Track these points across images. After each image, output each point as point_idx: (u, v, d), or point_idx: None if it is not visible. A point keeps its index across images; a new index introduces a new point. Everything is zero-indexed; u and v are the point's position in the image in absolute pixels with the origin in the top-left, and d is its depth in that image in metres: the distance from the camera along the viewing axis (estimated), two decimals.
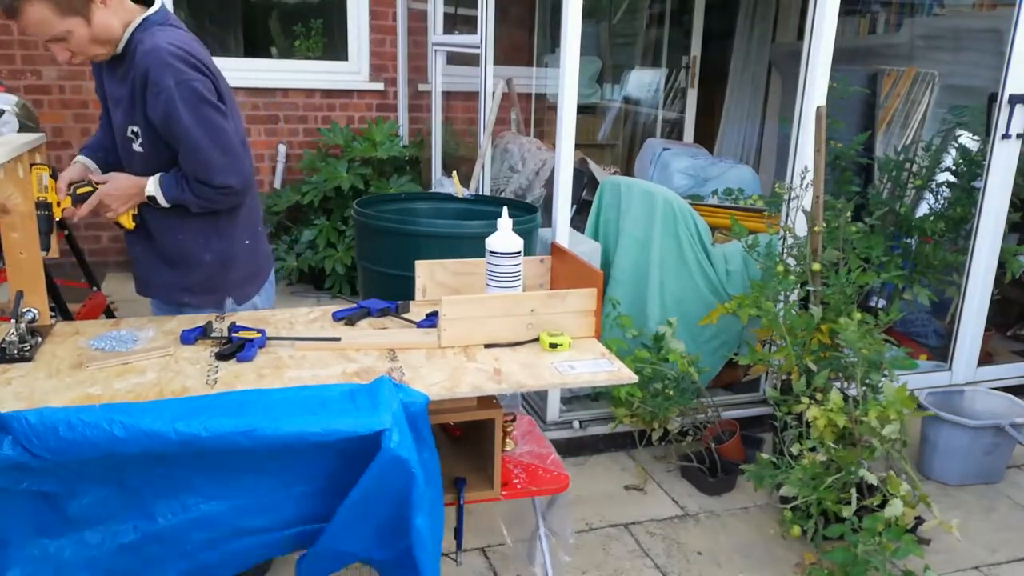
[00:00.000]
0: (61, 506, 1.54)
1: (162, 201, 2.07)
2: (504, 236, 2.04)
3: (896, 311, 2.63)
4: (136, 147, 2.08)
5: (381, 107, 5.44)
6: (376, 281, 3.17)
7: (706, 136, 6.16)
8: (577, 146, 3.06)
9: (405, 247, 2.96)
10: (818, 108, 2.80)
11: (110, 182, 2.10)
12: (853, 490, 2.42)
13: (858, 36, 5.36)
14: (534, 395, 3.28)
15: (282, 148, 5.29)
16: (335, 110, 5.37)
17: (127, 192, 2.10)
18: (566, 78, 2.83)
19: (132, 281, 2.32)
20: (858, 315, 2.62)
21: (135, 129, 2.06)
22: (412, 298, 2.21)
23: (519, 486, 2.04)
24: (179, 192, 2.06)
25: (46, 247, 2.01)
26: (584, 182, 4.32)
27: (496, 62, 3.83)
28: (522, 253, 2.06)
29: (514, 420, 2.25)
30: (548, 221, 3.14)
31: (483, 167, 4.03)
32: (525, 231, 2.90)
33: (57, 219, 2.05)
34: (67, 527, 1.56)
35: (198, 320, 2.02)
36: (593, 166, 4.52)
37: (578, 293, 2.00)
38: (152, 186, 2.07)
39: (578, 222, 3.79)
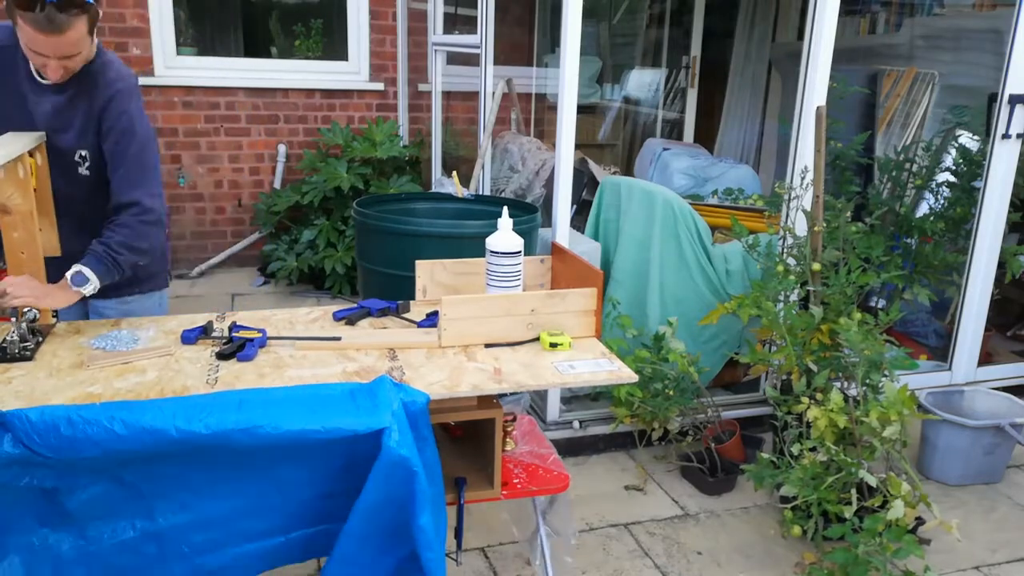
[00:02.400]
0: (61, 501, 1.54)
1: (93, 280, 1.97)
2: (504, 236, 2.04)
3: (896, 311, 2.63)
4: (83, 170, 2.11)
5: (381, 107, 5.44)
6: (376, 281, 3.17)
7: (706, 136, 6.16)
8: (577, 146, 3.06)
9: (405, 247, 2.96)
10: (818, 108, 2.80)
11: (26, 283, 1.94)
12: (853, 490, 2.42)
13: (858, 36, 5.36)
14: (534, 395, 3.27)
15: (282, 148, 5.29)
16: (335, 110, 5.37)
17: (59, 295, 1.96)
18: (566, 78, 2.83)
19: None
20: (858, 315, 2.63)
21: (83, 153, 2.09)
22: (412, 298, 2.22)
23: (519, 486, 2.04)
24: (104, 253, 2.00)
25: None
26: (584, 182, 4.31)
27: (496, 62, 3.83)
28: (522, 253, 2.06)
29: (514, 420, 2.25)
30: (548, 221, 3.14)
31: (483, 167, 4.03)
32: (525, 231, 2.90)
33: None
34: (66, 520, 1.56)
35: (198, 320, 2.02)
36: (593, 166, 4.52)
37: (578, 293, 2.00)
38: (75, 269, 1.96)
39: (578, 222, 3.79)
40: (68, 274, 1.96)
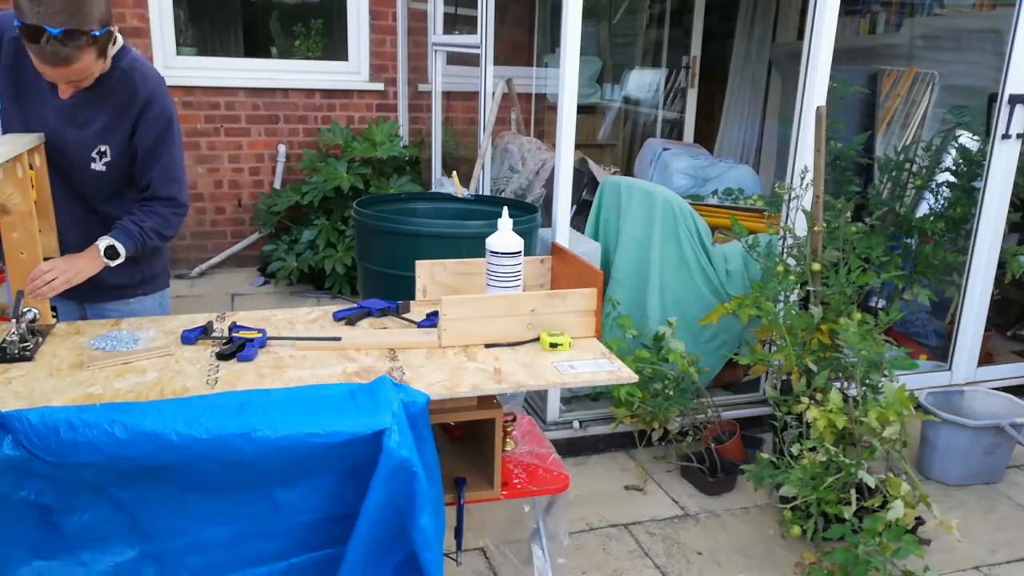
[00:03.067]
0: (57, 523, 1.52)
1: (123, 256, 2.09)
2: (504, 236, 2.04)
3: (896, 311, 2.63)
4: (98, 166, 2.10)
5: (381, 107, 5.45)
6: (376, 281, 3.17)
7: (706, 136, 6.16)
8: (577, 146, 3.06)
9: (405, 247, 2.97)
10: (818, 108, 2.80)
11: (67, 263, 2.04)
12: (853, 491, 2.42)
13: (858, 36, 5.36)
14: (534, 395, 3.27)
15: (282, 148, 5.29)
16: (335, 110, 5.37)
17: (87, 265, 2.07)
18: (566, 78, 2.83)
19: None
20: (858, 315, 2.63)
21: (103, 148, 2.08)
22: (412, 298, 2.22)
23: (519, 486, 2.04)
24: (138, 235, 2.11)
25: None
26: (584, 182, 4.32)
27: (496, 62, 3.83)
28: (522, 253, 2.06)
29: (514, 420, 2.25)
30: (548, 221, 3.14)
31: (483, 167, 4.03)
32: (525, 231, 2.90)
33: None
34: (62, 546, 1.54)
35: (198, 320, 2.02)
36: (593, 166, 4.52)
37: (578, 293, 2.00)
38: (109, 242, 2.07)
39: (578, 222, 3.80)
40: (100, 245, 2.05)
